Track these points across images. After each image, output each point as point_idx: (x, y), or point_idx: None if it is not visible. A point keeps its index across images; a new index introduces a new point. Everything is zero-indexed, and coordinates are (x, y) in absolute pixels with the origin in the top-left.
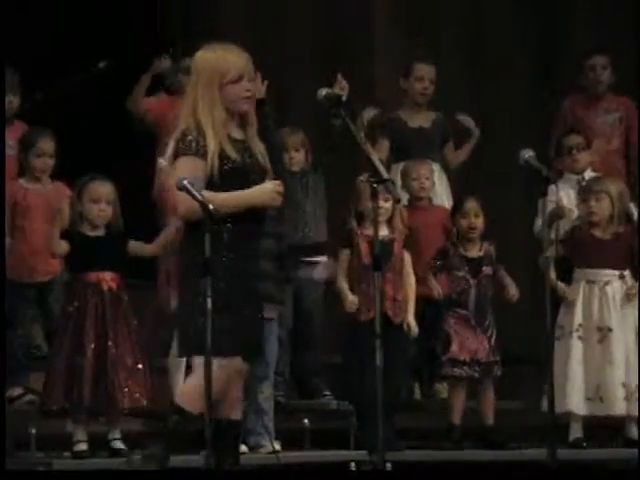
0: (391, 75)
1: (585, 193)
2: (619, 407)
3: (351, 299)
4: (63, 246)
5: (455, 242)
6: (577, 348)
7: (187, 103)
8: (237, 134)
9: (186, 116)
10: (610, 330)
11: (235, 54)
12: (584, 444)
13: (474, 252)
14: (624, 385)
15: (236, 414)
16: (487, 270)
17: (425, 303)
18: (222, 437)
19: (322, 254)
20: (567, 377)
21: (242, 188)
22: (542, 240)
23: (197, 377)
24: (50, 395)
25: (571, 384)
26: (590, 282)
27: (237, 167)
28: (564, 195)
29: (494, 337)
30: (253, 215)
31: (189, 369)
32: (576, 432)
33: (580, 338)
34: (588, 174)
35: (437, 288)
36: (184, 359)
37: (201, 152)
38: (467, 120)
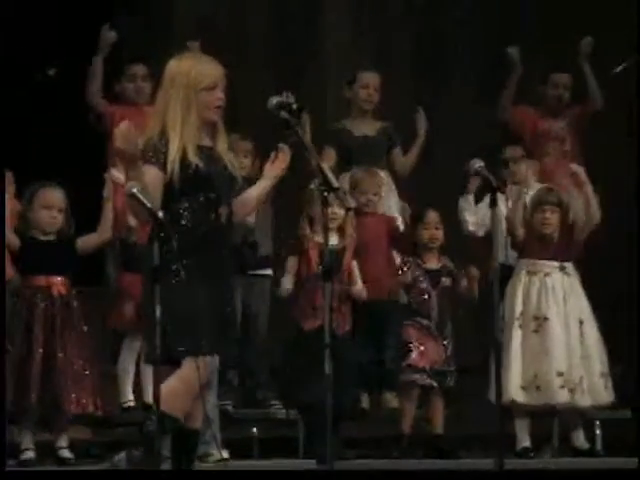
0: (340, 85)
1: (538, 204)
2: (556, 396)
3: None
4: (14, 240)
5: (413, 255)
6: (517, 336)
7: (157, 109)
8: (206, 142)
9: (154, 122)
10: (546, 319)
11: (210, 63)
12: (531, 454)
13: (433, 264)
14: (560, 374)
15: (198, 421)
16: (446, 282)
17: (375, 310)
18: (184, 443)
19: (268, 267)
20: (507, 366)
21: (205, 196)
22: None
23: (176, 379)
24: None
25: (511, 373)
26: (531, 273)
27: (200, 174)
28: (505, 206)
29: (451, 347)
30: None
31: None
32: (523, 441)
33: (520, 327)
34: (532, 185)
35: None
36: (132, 365)
37: (159, 160)
38: (419, 118)
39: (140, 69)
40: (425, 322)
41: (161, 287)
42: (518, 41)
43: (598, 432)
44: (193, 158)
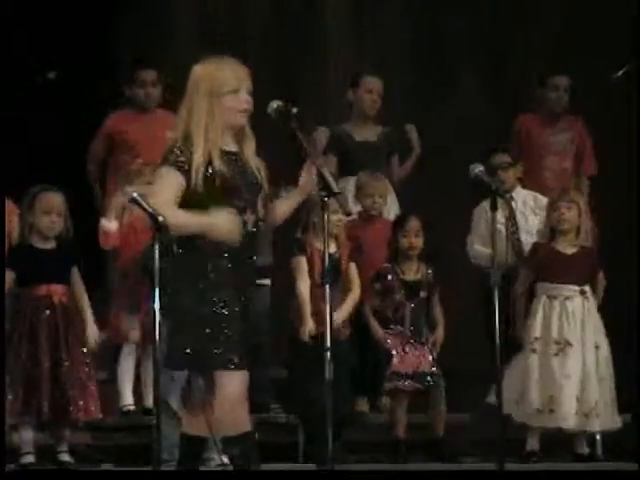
0: (342, 89)
1: (555, 202)
2: (570, 421)
3: (310, 327)
4: (9, 276)
5: (393, 262)
6: (532, 361)
7: (181, 114)
8: (232, 147)
9: (179, 127)
10: (569, 344)
11: (234, 66)
12: (534, 458)
13: (411, 274)
14: (578, 399)
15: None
16: (423, 294)
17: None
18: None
19: (267, 277)
20: (521, 390)
21: (230, 203)
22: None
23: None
24: (9, 410)
25: (524, 397)
26: (551, 297)
27: (225, 181)
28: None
29: (435, 350)
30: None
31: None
32: (532, 445)
33: (534, 351)
34: (517, 192)
35: (378, 331)
36: (131, 369)
37: (183, 164)
38: (411, 132)
39: (149, 74)
40: (400, 328)
41: (191, 295)
42: (517, 44)
43: (598, 437)
44: (218, 164)
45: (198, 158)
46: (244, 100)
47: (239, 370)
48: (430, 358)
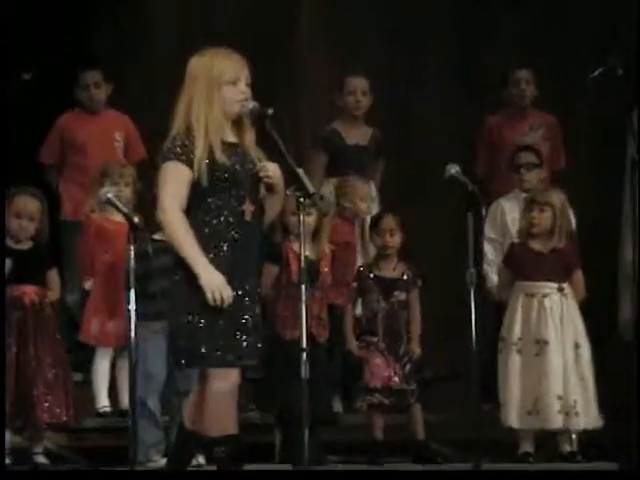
0: (323, 89)
1: (528, 204)
2: (554, 420)
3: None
4: None
5: (371, 262)
6: (516, 362)
7: (180, 107)
8: (232, 138)
9: (178, 120)
10: (546, 343)
11: (232, 57)
12: (530, 459)
13: (388, 272)
14: (560, 398)
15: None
16: (399, 295)
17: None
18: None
19: None
20: (506, 392)
21: (232, 195)
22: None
23: (211, 399)
24: None
25: (509, 399)
26: (529, 295)
27: (226, 172)
28: (509, 211)
29: (410, 365)
30: None
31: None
32: (525, 447)
33: (519, 352)
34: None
35: (351, 342)
36: (107, 371)
37: (187, 158)
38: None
39: (92, 76)
40: (373, 339)
41: (193, 287)
42: (495, 44)
43: (574, 437)
44: (220, 155)
45: (200, 151)
46: (241, 91)
47: (234, 368)
48: (402, 374)
